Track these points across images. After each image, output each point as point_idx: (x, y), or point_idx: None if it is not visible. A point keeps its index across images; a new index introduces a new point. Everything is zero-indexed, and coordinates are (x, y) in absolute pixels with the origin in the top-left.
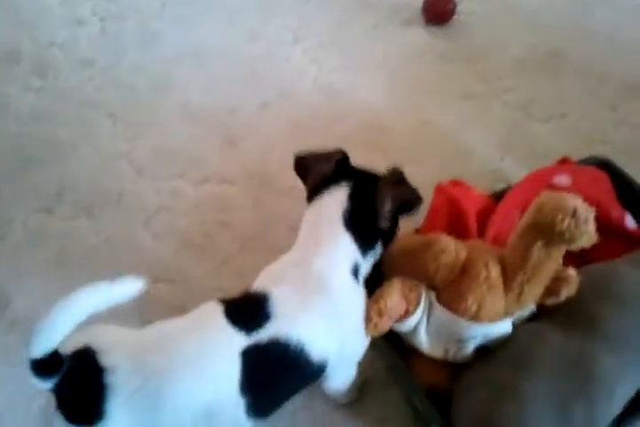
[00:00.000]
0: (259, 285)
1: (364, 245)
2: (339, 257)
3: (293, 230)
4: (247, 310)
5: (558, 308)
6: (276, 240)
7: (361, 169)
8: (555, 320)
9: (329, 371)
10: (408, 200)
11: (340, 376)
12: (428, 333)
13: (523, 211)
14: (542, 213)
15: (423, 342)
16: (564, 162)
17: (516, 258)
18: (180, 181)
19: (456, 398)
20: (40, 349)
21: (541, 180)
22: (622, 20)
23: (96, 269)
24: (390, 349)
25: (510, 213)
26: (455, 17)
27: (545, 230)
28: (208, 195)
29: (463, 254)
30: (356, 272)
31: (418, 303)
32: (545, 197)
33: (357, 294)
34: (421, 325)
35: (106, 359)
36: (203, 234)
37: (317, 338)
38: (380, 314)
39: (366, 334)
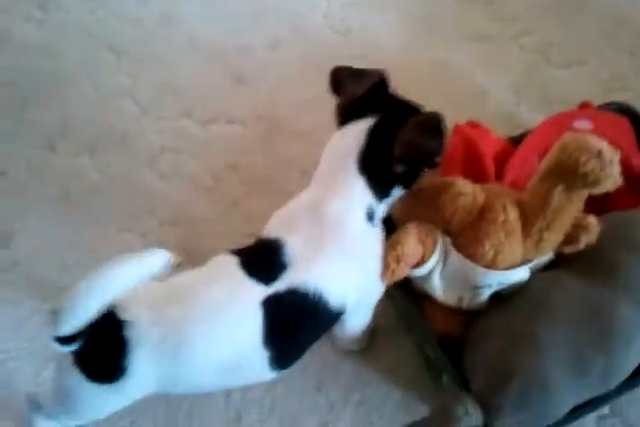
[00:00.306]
0: (271, 231)
1: (378, 190)
2: (352, 202)
3: (304, 175)
4: (262, 260)
5: (577, 256)
6: (286, 184)
7: (398, 99)
8: (573, 268)
9: (346, 316)
10: (427, 151)
11: (356, 322)
12: (443, 279)
13: (541, 155)
14: (566, 153)
15: (437, 288)
16: (584, 107)
17: (535, 202)
18: (187, 121)
19: (469, 347)
20: (68, 329)
21: (561, 124)
22: None
23: (99, 209)
24: (403, 295)
25: (529, 157)
26: None
27: (568, 172)
28: (216, 135)
29: (481, 197)
30: (371, 217)
31: (434, 249)
32: (568, 137)
33: (374, 238)
34: (436, 271)
35: (125, 313)
36: (210, 176)
37: (335, 284)
38: (398, 260)
39: (383, 280)
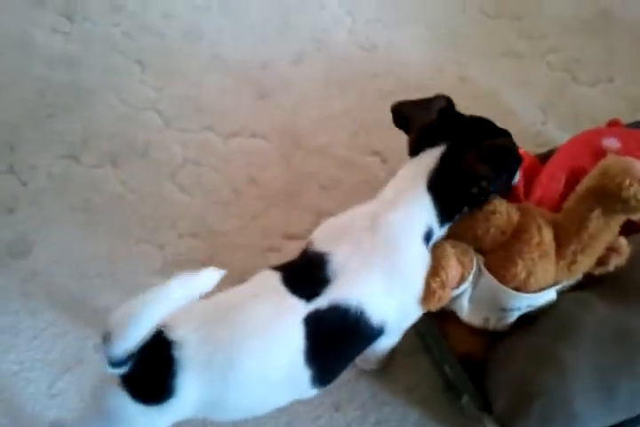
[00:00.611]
0: (319, 239)
1: (443, 212)
2: (414, 217)
3: (323, 189)
4: (305, 275)
5: (604, 276)
6: (306, 199)
7: (468, 120)
8: (601, 289)
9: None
10: (493, 179)
11: (386, 343)
12: (472, 300)
13: (569, 173)
14: (607, 176)
15: (464, 309)
16: (613, 124)
17: (571, 224)
18: (209, 134)
19: (492, 367)
20: (120, 353)
21: (589, 142)
22: None
23: (119, 220)
24: (425, 313)
25: (556, 174)
26: None
27: (608, 196)
28: (237, 149)
29: (515, 217)
30: (428, 238)
31: (471, 268)
32: (611, 160)
33: (423, 260)
34: (467, 291)
35: (173, 333)
36: (231, 189)
37: (377, 302)
38: (444, 286)
39: (428, 307)
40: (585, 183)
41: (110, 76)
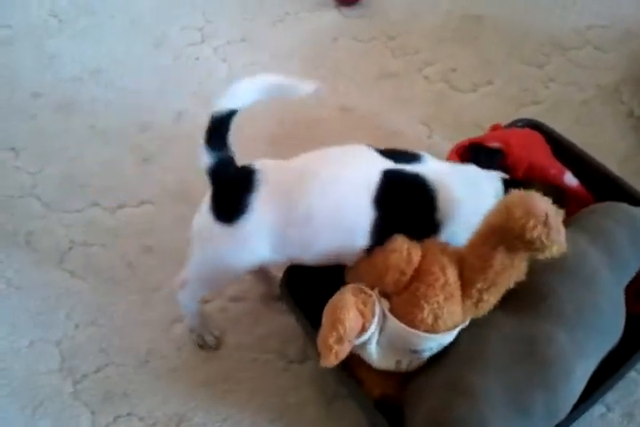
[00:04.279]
0: None
1: None
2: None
3: None
4: (402, 153)
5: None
6: None
7: None
8: (503, 303)
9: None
10: None
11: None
12: (380, 345)
13: None
14: (512, 217)
15: (373, 355)
16: (494, 129)
17: (477, 262)
18: (95, 210)
19: (408, 407)
20: (225, 103)
21: None
22: None
23: (9, 321)
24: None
25: None
26: None
27: (512, 235)
28: (127, 220)
29: (417, 256)
30: None
31: (373, 318)
32: (514, 197)
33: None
34: (373, 338)
35: (258, 165)
36: (125, 264)
37: (449, 197)
38: (341, 341)
39: (325, 364)
40: (488, 219)
41: None
